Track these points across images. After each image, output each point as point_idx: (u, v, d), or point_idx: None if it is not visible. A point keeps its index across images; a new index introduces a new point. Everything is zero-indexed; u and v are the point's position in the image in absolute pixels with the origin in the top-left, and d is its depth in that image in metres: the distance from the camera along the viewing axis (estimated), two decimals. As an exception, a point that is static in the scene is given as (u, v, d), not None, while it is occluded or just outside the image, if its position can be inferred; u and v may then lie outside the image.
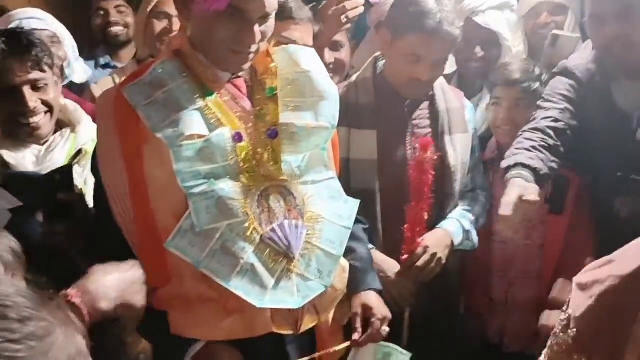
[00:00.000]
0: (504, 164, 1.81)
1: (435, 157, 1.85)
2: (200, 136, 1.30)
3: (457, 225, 1.92)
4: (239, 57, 1.34)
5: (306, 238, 1.36)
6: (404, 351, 1.53)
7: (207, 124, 1.31)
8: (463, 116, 1.99)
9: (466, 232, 1.93)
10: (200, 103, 1.32)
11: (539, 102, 1.97)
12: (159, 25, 2.31)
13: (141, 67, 1.53)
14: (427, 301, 1.89)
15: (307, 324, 1.41)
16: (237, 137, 1.33)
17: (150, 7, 2.34)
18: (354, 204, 1.45)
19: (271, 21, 1.34)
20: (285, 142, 1.36)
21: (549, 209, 2.04)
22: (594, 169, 1.98)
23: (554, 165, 1.83)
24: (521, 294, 2.08)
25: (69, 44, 2.24)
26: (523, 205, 1.61)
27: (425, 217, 1.85)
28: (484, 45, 2.34)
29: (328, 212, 1.39)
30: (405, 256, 1.85)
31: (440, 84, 1.98)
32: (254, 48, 1.33)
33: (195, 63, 1.35)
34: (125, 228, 1.35)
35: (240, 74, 1.40)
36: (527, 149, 1.82)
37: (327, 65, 2.13)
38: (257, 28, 1.30)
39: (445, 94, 1.98)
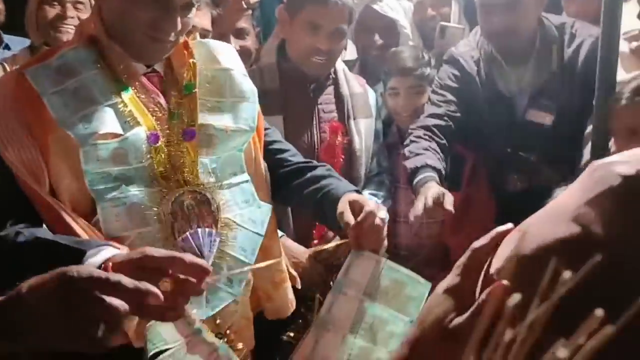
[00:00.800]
0: (410, 164, 1.94)
1: (345, 141, 1.90)
2: (115, 135, 1.21)
3: None
4: (157, 45, 1.26)
5: (219, 246, 1.30)
6: (422, 279, 1.21)
7: (122, 123, 1.22)
8: (366, 101, 2.05)
9: None
10: (114, 98, 1.23)
11: (430, 94, 2.14)
12: (51, 12, 2.21)
13: (47, 50, 1.40)
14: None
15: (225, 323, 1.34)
16: (153, 139, 1.25)
17: None
18: (268, 208, 1.41)
19: (193, 12, 1.28)
20: (202, 144, 1.30)
21: (447, 186, 2.15)
22: (485, 149, 2.16)
23: (444, 163, 2.00)
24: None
25: None
26: (438, 209, 1.72)
27: None
28: (382, 33, 2.43)
29: (242, 217, 1.34)
30: (316, 241, 1.88)
31: (342, 69, 2.04)
32: (173, 37, 1.26)
33: (110, 52, 1.26)
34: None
35: (156, 67, 1.32)
36: (427, 150, 1.97)
37: None
38: (179, 15, 1.24)
39: (348, 79, 2.03)
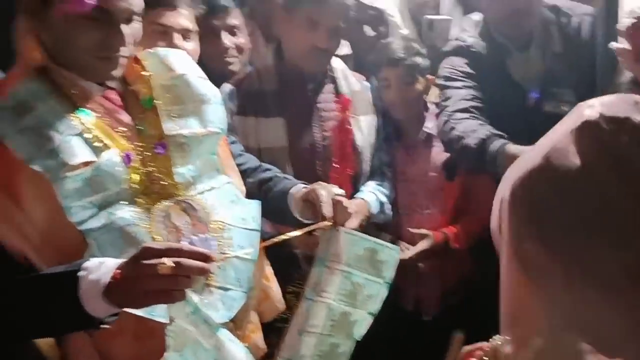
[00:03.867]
0: (473, 139, 1.91)
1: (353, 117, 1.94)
2: (87, 163, 1.17)
3: (374, 197, 2.00)
4: (107, 63, 1.22)
5: (218, 249, 1.28)
6: (391, 245, 1.39)
7: (92, 148, 1.19)
8: (366, 98, 2.06)
9: (381, 204, 2.02)
10: (78, 126, 1.19)
11: (441, 82, 2.11)
12: None
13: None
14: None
15: None
16: (127, 159, 1.22)
17: None
18: (256, 204, 1.39)
19: (138, 24, 1.25)
20: (174, 154, 1.28)
21: (446, 177, 2.18)
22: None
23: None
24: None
25: None
26: None
27: (350, 176, 1.92)
28: (371, 24, 2.42)
29: (232, 217, 1.33)
30: None
31: (341, 68, 2.04)
32: (123, 51, 1.22)
33: (61, 79, 1.22)
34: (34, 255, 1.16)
35: (112, 85, 1.29)
36: (481, 124, 1.96)
37: (225, 49, 2.13)
38: (125, 29, 1.21)
39: (347, 77, 2.04)
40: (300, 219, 1.40)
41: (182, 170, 1.29)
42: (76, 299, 1.03)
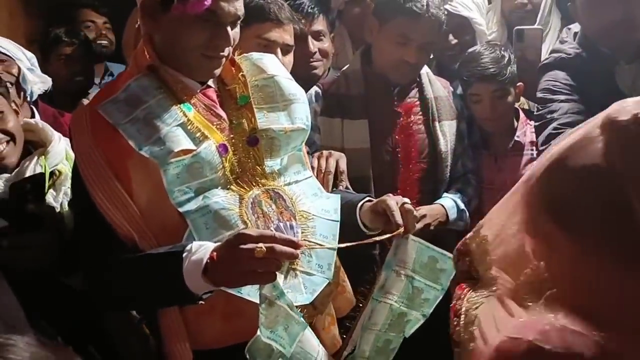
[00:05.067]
0: None
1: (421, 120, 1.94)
2: (187, 152, 1.29)
3: (452, 203, 1.99)
4: (211, 62, 1.34)
5: (302, 237, 1.37)
6: (447, 253, 1.42)
7: (192, 139, 1.31)
8: (450, 103, 2.05)
9: (460, 211, 2.00)
10: (181, 118, 1.32)
11: (544, 94, 1.96)
12: None
13: (110, 83, 1.49)
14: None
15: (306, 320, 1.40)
16: (223, 149, 1.34)
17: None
18: (336, 198, 1.47)
19: (238, 27, 1.35)
20: (265, 147, 1.38)
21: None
22: None
23: None
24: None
25: (21, 56, 2.15)
26: None
27: (417, 180, 1.92)
28: (456, 32, 2.39)
29: (315, 209, 1.41)
30: None
31: (426, 72, 2.04)
32: (226, 52, 1.34)
33: (167, 76, 1.34)
34: (138, 236, 1.30)
35: (210, 83, 1.40)
36: None
37: (312, 54, 2.16)
38: (230, 32, 1.31)
39: (432, 82, 2.04)
40: (365, 230, 1.46)
41: (271, 162, 1.39)
42: (180, 277, 1.19)
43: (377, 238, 1.37)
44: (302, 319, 1.28)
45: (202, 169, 1.30)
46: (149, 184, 1.29)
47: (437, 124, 1.98)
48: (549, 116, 1.92)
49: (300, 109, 1.44)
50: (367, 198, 1.49)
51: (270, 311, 1.22)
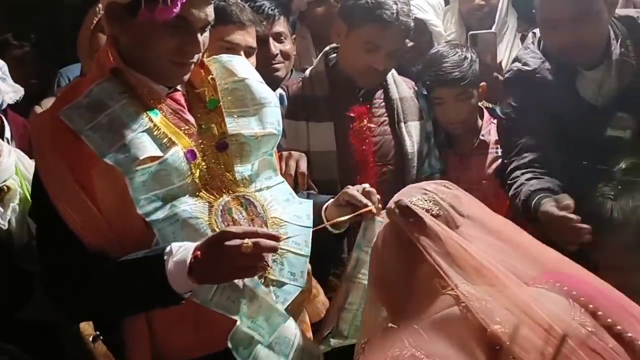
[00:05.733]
0: (523, 195, 1.81)
1: (372, 126, 1.93)
2: (154, 159, 1.26)
3: None
4: (180, 69, 1.31)
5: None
6: None
7: (159, 145, 1.27)
8: (416, 103, 2.04)
9: None
10: (147, 123, 1.28)
11: (508, 112, 1.99)
12: (104, 39, 2.20)
13: (69, 88, 1.44)
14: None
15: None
16: (191, 155, 1.30)
17: (95, 21, 2.23)
18: (308, 204, 1.46)
19: (207, 32, 1.33)
20: (235, 153, 1.36)
21: (499, 184, 2.10)
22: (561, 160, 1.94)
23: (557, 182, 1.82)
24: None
25: None
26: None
27: (383, 182, 1.89)
28: (412, 35, 2.37)
29: (288, 215, 1.39)
30: None
31: (391, 73, 2.03)
32: (196, 58, 1.31)
33: (133, 80, 1.30)
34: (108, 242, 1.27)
35: (178, 87, 1.37)
36: (531, 178, 1.84)
37: (274, 56, 2.13)
38: (200, 37, 1.29)
39: (397, 83, 2.03)
40: (333, 230, 1.47)
41: (241, 168, 1.36)
42: (163, 279, 1.18)
43: (348, 216, 1.40)
44: (284, 311, 1.28)
45: (170, 176, 1.27)
46: (114, 192, 1.24)
47: (402, 125, 1.97)
48: (510, 154, 1.98)
49: (271, 113, 1.42)
50: (330, 199, 1.48)
51: (252, 302, 1.24)
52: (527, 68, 1.97)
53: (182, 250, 1.19)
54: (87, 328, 1.52)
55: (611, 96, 1.89)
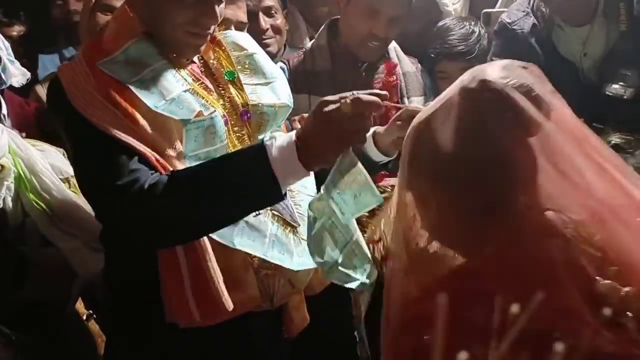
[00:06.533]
0: None
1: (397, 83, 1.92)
2: (201, 114, 1.26)
3: None
4: (197, 40, 1.30)
5: (295, 211, 1.38)
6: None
7: (200, 105, 1.27)
8: (419, 80, 2.02)
9: None
10: (187, 85, 1.28)
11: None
12: (103, 18, 2.10)
13: (98, 41, 1.33)
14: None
15: (281, 299, 1.39)
16: (225, 120, 1.32)
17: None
18: (311, 175, 1.42)
19: (224, 3, 1.32)
20: (256, 122, 1.37)
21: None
22: None
23: None
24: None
25: (1, 45, 1.97)
26: None
27: None
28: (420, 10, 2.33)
29: (295, 185, 1.38)
30: None
31: (394, 48, 2.01)
32: (212, 29, 1.31)
33: (161, 46, 1.30)
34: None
35: (194, 59, 1.36)
36: None
37: (264, 31, 2.07)
38: (217, 9, 1.28)
39: (401, 58, 2.01)
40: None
41: (261, 137, 1.33)
42: (267, 167, 1.12)
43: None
44: (379, 193, 1.18)
45: (215, 135, 1.27)
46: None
47: (405, 100, 1.95)
48: None
49: (282, 86, 1.43)
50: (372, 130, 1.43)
51: (348, 175, 1.14)
52: (507, 20, 2.02)
53: (280, 136, 1.15)
54: (79, 307, 1.51)
55: (595, 56, 1.94)
